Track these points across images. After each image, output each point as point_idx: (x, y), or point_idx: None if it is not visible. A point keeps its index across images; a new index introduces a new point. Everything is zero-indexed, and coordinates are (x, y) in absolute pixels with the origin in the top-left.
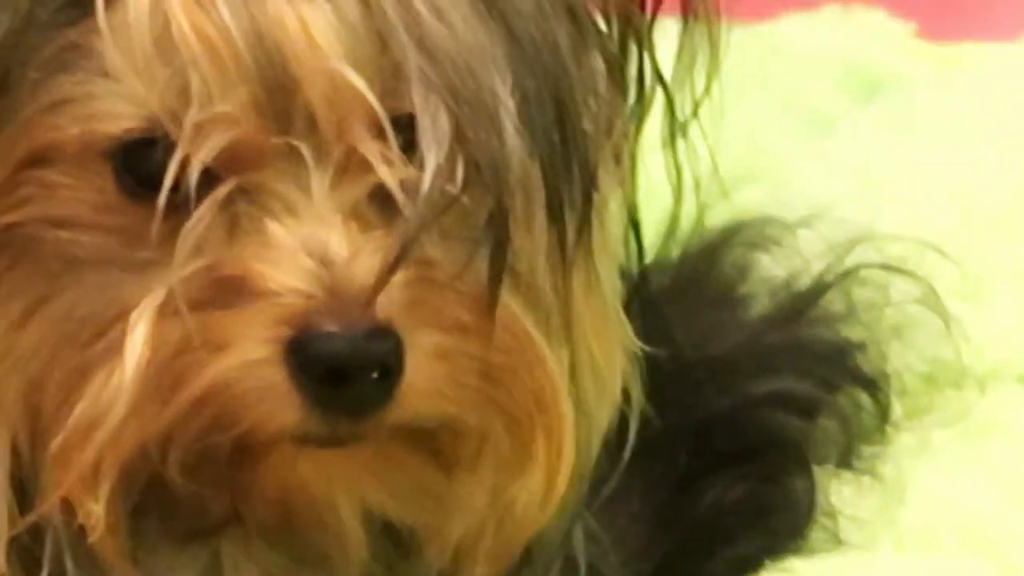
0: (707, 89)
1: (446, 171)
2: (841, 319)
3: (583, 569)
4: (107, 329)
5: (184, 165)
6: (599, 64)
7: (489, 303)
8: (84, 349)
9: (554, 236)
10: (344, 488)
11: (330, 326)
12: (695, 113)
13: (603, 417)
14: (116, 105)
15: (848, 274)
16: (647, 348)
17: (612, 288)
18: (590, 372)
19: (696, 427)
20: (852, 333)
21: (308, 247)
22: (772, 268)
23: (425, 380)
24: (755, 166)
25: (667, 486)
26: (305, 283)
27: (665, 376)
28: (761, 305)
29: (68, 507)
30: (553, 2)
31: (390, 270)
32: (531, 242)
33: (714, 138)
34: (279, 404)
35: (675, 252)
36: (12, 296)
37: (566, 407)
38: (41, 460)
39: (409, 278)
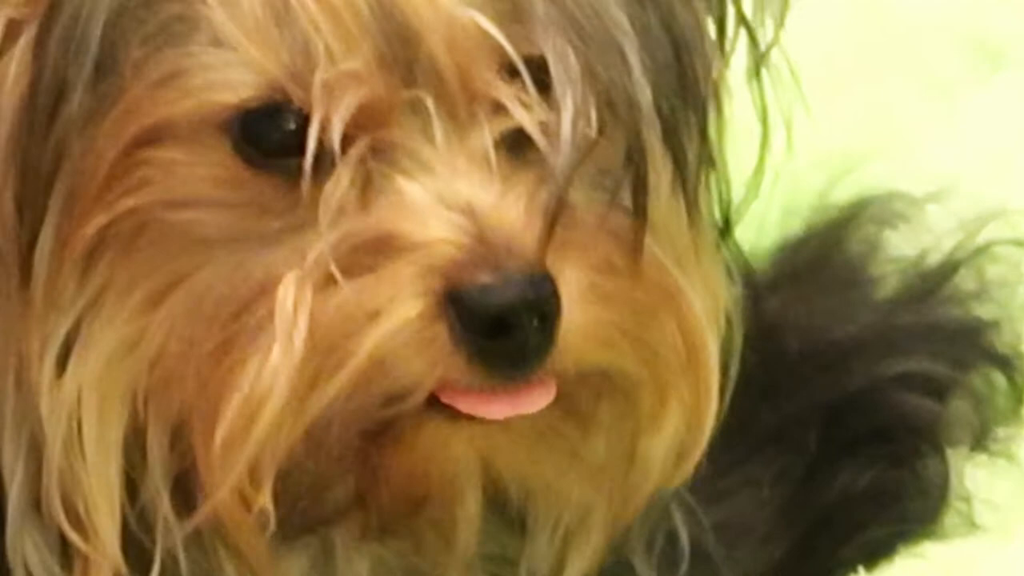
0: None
1: (583, 112)
2: (973, 297)
3: (685, 540)
4: (247, 306)
5: (315, 127)
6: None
7: (635, 240)
8: (223, 331)
9: (677, 177)
10: (493, 461)
11: (486, 276)
12: (777, 39)
13: None
14: (232, 74)
15: (980, 251)
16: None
17: (712, 222)
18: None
19: (826, 411)
20: (985, 311)
21: (447, 200)
22: (901, 245)
23: (582, 321)
24: (880, 139)
25: (796, 472)
26: (452, 233)
27: (793, 359)
28: (890, 284)
29: (181, 501)
30: None
31: (551, 220)
32: (658, 183)
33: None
34: (442, 362)
35: (799, 230)
36: (134, 284)
37: (712, 345)
38: (176, 451)
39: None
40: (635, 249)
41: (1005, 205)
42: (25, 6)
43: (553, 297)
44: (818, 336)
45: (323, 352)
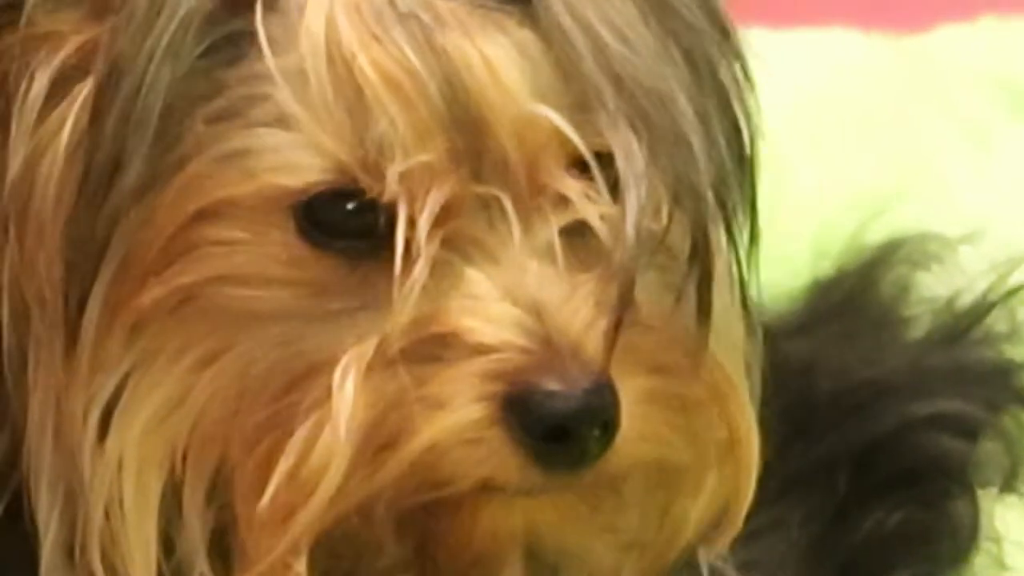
0: None
1: (649, 206)
2: (1005, 339)
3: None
4: (299, 383)
5: (402, 225)
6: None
7: (699, 340)
8: (274, 403)
9: (731, 257)
10: (546, 529)
11: (551, 383)
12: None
13: None
14: (297, 156)
15: (1012, 293)
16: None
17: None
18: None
19: (856, 452)
20: (1017, 353)
21: (514, 296)
22: (933, 287)
23: (637, 425)
24: (913, 181)
25: (826, 513)
26: (519, 336)
27: (824, 400)
28: (922, 325)
29: (218, 557)
30: (700, 10)
31: (616, 325)
32: (722, 273)
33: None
34: (497, 461)
35: (831, 271)
36: (183, 351)
37: (755, 434)
38: (212, 507)
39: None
40: (698, 350)
41: None
42: (80, 55)
43: (614, 406)
44: (849, 377)
45: (377, 437)
